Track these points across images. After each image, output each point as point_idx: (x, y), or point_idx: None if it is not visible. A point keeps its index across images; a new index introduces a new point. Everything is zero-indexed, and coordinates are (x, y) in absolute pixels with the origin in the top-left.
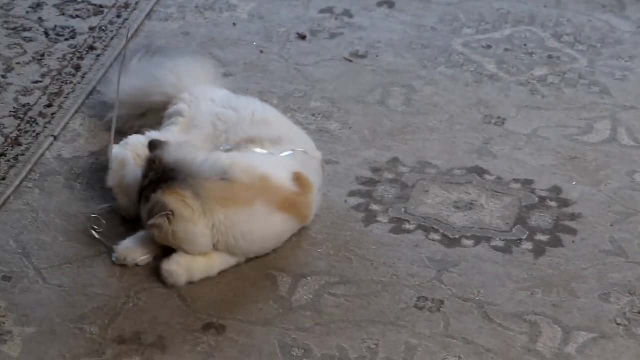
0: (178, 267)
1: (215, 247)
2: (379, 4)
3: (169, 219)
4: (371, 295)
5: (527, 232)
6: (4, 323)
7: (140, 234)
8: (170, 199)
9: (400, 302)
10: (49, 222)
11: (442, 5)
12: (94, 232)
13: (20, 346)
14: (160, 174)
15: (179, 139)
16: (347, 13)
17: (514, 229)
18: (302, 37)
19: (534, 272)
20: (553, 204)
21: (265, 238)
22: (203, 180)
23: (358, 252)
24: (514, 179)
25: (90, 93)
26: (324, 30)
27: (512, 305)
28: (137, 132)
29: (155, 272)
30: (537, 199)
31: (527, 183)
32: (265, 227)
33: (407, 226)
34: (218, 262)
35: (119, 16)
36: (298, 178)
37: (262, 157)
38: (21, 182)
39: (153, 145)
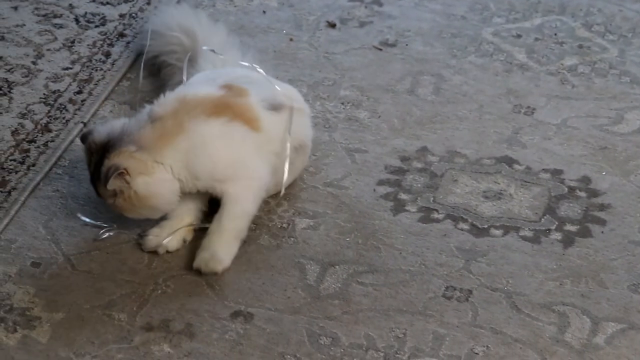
0: (206, 253)
1: (188, 187)
2: None
3: (126, 180)
4: (399, 285)
5: (556, 222)
6: (32, 309)
7: (164, 222)
8: (119, 159)
9: (428, 292)
10: (78, 208)
11: None
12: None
13: (49, 332)
14: (101, 151)
15: None
16: (377, 1)
17: (542, 219)
18: (332, 26)
19: (562, 262)
20: (582, 194)
21: (218, 148)
22: (137, 131)
23: (386, 241)
24: (543, 169)
25: (120, 80)
26: (353, 19)
27: (540, 296)
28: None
29: (183, 259)
30: (566, 189)
31: (556, 173)
32: (210, 137)
33: (436, 215)
34: (230, 230)
35: (148, 3)
36: (227, 87)
37: (182, 87)
38: (51, 169)
39: (83, 135)
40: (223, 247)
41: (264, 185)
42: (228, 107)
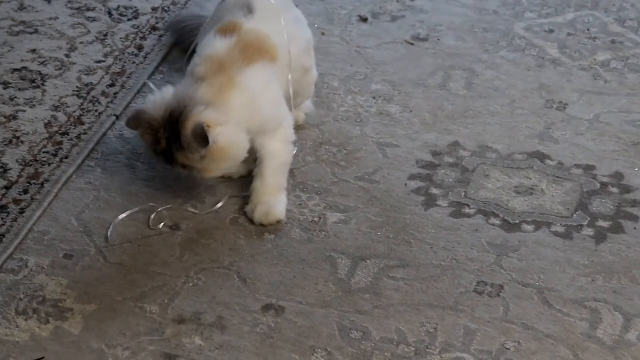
0: (263, 206)
1: (255, 132)
2: None
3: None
4: (430, 279)
5: (588, 218)
6: (65, 300)
7: None
8: (195, 119)
9: (459, 287)
10: (111, 201)
11: None
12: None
13: (81, 323)
14: (168, 126)
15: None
16: None
17: (575, 215)
18: (364, 20)
19: (594, 258)
20: (615, 190)
21: (266, 98)
22: (195, 93)
23: (417, 236)
24: (575, 165)
25: (153, 73)
26: (385, 13)
27: (572, 291)
28: None
29: (215, 252)
30: (598, 185)
31: (588, 169)
32: (258, 89)
33: (467, 210)
34: (274, 184)
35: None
36: (223, 30)
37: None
38: (83, 161)
39: (134, 119)
40: (275, 197)
41: (293, 130)
42: (242, 52)
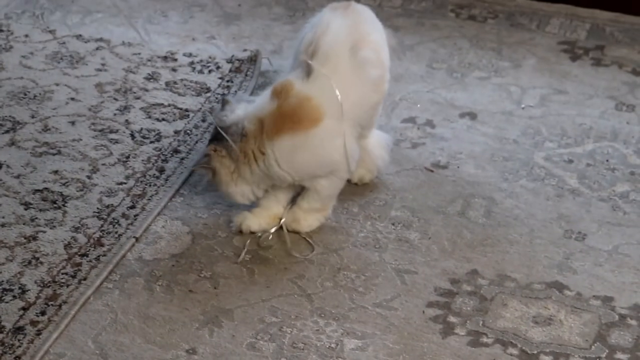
0: (290, 216)
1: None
2: (461, 115)
3: (212, 173)
4: None
5: (607, 350)
6: None
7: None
8: (214, 156)
9: None
10: (128, 323)
11: (525, 119)
12: None
13: None
14: (216, 132)
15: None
16: (430, 123)
17: (593, 347)
18: None
19: None
20: (634, 322)
21: (298, 161)
22: (233, 141)
23: None
24: (593, 296)
25: (173, 196)
26: (405, 140)
27: None
28: None
29: None
30: (617, 317)
31: (607, 300)
32: (286, 155)
33: (485, 339)
34: (310, 210)
35: (204, 120)
36: (277, 93)
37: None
38: (101, 283)
39: (224, 101)
40: (305, 215)
41: (346, 177)
42: (287, 117)
